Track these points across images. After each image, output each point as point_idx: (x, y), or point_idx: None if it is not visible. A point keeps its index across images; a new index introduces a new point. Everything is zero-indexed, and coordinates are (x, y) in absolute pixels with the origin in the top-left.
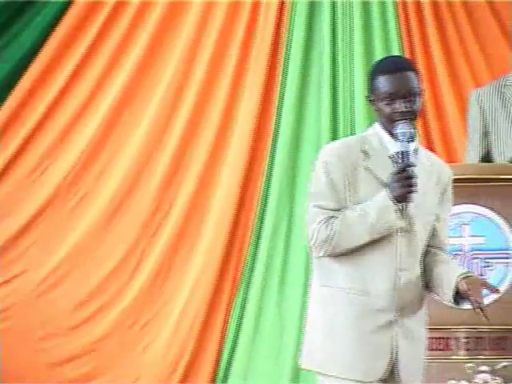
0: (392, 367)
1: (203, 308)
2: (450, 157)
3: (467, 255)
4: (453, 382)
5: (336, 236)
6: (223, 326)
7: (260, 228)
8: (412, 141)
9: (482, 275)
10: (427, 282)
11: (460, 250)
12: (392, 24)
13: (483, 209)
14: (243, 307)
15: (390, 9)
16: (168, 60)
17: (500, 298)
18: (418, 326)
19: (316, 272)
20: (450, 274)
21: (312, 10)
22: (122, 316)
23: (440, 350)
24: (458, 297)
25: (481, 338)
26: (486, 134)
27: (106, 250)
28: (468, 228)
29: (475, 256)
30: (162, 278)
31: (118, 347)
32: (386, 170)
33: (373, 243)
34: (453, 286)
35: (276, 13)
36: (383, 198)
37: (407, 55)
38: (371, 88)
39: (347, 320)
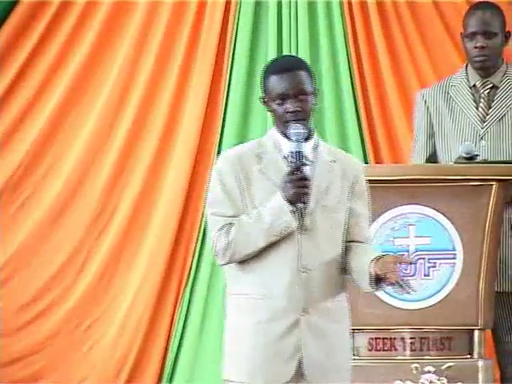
0: (303, 368)
1: (149, 308)
2: (396, 157)
3: (412, 256)
4: (398, 382)
5: (234, 243)
6: (169, 326)
7: (206, 228)
8: (306, 140)
9: (427, 275)
10: (353, 278)
11: (406, 251)
12: (338, 24)
13: (428, 209)
14: (189, 307)
15: (336, 9)
16: (113, 60)
17: (445, 298)
18: (330, 323)
19: (226, 280)
20: (364, 262)
21: (258, 10)
22: (68, 316)
23: (386, 350)
24: (380, 281)
25: (426, 338)
26: (431, 135)
27: (51, 250)
28: (413, 228)
29: (420, 256)
30: (107, 278)
31: (65, 347)
32: (280, 172)
33: (274, 246)
34: (367, 272)
35: (222, 13)
36: (277, 200)
37: (353, 56)
38: (264, 89)
39: (250, 326)
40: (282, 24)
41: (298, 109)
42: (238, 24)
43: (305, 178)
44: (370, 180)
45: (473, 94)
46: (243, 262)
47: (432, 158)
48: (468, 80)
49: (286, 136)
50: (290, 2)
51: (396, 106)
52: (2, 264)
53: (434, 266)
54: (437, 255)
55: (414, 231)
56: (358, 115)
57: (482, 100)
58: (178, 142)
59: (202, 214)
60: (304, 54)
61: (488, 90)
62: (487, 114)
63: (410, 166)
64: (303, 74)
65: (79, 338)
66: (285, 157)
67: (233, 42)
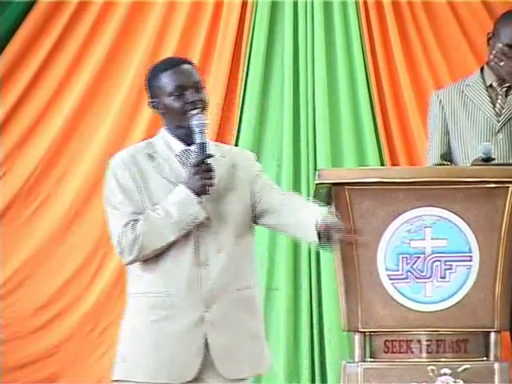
0: (214, 363)
1: None
2: (412, 160)
3: (429, 258)
4: None
5: (141, 237)
6: None
7: None
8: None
9: (443, 278)
10: (290, 233)
11: (422, 253)
12: (353, 24)
13: (445, 211)
14: None
15: (352, 9)
16: (130, 60)
17: (461, 300)
18: (237, 314)
19: (127, 283)
20: (306, 217)
21: (274, 11)
22: (83, 320)
23: (402, 352)
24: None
25: (442, 340)
26: (446, 133)
27: (66, 254)
28: (429, 231)
29: (437, 259)
30: (122, 282)
31: (79, 351)
32: (175, 170)
33: (173, 243)
34: (311, 227)
35: (238, 13)
36: (181, 192)
37: (369, 56)
38: (153, 90)
39: (148, 324)
40: (298, 24)
41: (199, 99)
42: (254, 24)
43: (210, 170)
44: (386, 182)
45: (489, 93)
46: (145, 261)
47: (447, 156)
48: (484, 80)
49: (176, 136)
50: (306, 2)
51: (412, 108)
52: (17, 268)
53: (451, 268)
54: (453, 257)
55: (431, 233)
56: (373, 116)
57: (499, 97)
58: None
59: None
60: (320, 55)
61: (506, 89)
62: (503, 109)
63: (426, 168)
64: (192, 67)
65: (93, 342)
66: (177, 155)
67: (249, 42)
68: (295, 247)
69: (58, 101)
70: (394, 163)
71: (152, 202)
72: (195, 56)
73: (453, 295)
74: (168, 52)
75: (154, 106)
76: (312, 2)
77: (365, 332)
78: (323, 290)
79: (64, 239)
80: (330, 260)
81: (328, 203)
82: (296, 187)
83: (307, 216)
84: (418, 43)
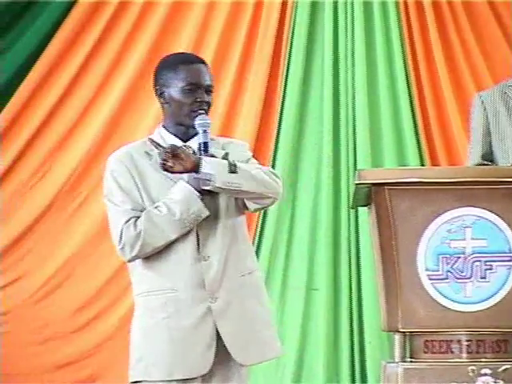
0: (224, 352)
1: None
2: (452, 160)
3: (469, 258)
4: None
5: (143, 234)
6: None
7: (261, 232)
8: (192, 137)
9: (483, 278)
10: None
11: (462, 253)
12: (393, 24)
13: (485, 211)
14: None
15: (392, 9)
16: None
17: (501, 300)
18: (244, 300)
19: (132, 283)
20: None
21: (314, 11)
22: (122, 321)
23: (442, 352)
24: None
25: (482, 340)
26: (488, 134)
27: (106, 254)
28: (470, 231)
29: (477, 259)
30: None
31: (117, 352)
32: None
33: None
34: None
35: (278, 14)
36: (183, 190)
37: (409, 57)
38: (165, 79)
39: (160, 322)
40: (337, 24)
41: (207, 100)
42: (294, 24)
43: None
44: (426, 182)
45: None
46: (147, 259)
47: (487, 156)
48: None
49: (173, 133)
50: (346, 2)
51: (452, 108)
52: (58, 268)
53: (491, 269)
54: (493, 257)
55: (471, 233)
56: (414, 116)
57: None
58: None
59: (256, 224)
60: (360, 55)
61: None
62: None
63: (465, 168)
64: (209, 71)
65: None
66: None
67: (289, 43)
68: (335, 247)
69: (98, 100)
70: (434, 163)
71: (150, 198)
72: (235, 56)
73: (493, 295)
74: (208, 52)
75: (160, 94)
76: (352, 2)
77: (405, 332)
78: (363, 290)
79: (103, 239)
80: (371, 260)
81: (368, 203)
82: (336, 187)
83: None
84: (458, 43)
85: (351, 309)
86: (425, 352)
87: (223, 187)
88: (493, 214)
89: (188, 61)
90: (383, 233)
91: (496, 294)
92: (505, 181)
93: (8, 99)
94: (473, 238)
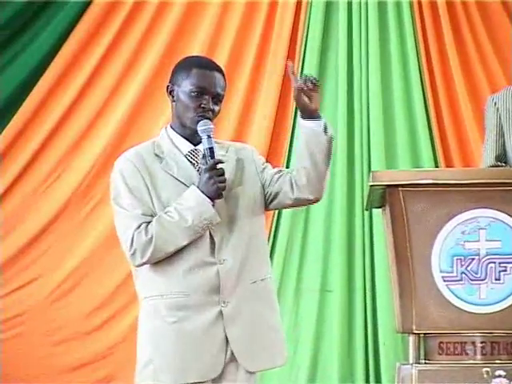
0: (235, 356)
1: None
2: (466, 161)
3: (483, 260)
4: None
5: (155, 240)
6: None
7: (275, 234)
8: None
9: (497, 279)
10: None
11: (476, 255)
12: (408, 25)
13: (499, 213)
14: None
15: (406, 9)
16: None
17: None
18: (254, 306)
19: (137, 286)
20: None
21: (328, 11)
22: (135, 323)
23: (456, 354)
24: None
25: (497, 342)
26: (501, 135)
27: (120, 256)
28: (484, 232)
29: (491, 260)
30: None
31: (133, 352)
32: (182, 169)
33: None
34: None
35: (292, 14)
36: (196, 197)
37: (423, 57)
38: (178, 77)
39: (169, 326)
40: (352, 24)
41: (212, 109)
42: (308, 24)
43: (223, 174)
44: (440, 184)
45: None
46: (156, 263)
47: (501, 158)
48: None
49: (182, 135)
50: (360, 2)
51: (466, 109)
52: (72, 270)
53: (505, 270)
54: (508, 259)
55: (485, 235)
56: (428, 118)
57: None
58: (249, 142)
59: (271, 225)
60: (374, 55)
61: None
62: None
63: (480, 169)
64: (223, 79)
65: None
66: (186, 154)
67: (304, 42)
68: (350, 249)
69: (112, 102)
70: (449, 165)
71: (160, 201)
72: (250, 56)
73: (507, 297)
74: (223, 53)
75: (170, 91)
76: (366, 2)
77: (419, 333)
78: (377, 292)
79: (117, 242)
80: (385, 262)
81: (382, 205)
82: (350, 189)
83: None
84: (473, 44)
85: (365, 310)
86: (439, 353)
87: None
88: (507, 216)
89: (202, 65)
90: (397, 234)
91: (510, 295)
92: None
93: (23, 100)
94: (487, 240)
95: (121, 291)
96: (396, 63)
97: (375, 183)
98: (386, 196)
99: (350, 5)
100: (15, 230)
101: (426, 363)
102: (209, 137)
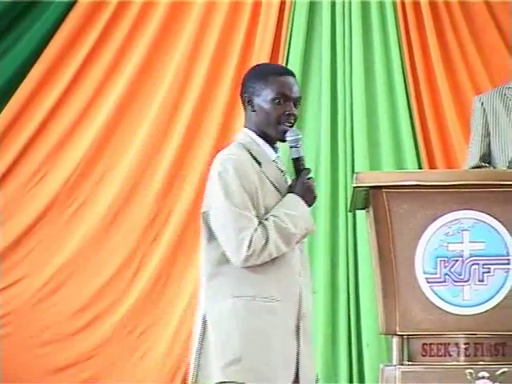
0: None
1: None
2: (450, 163)
3: (467, 261)
4: None
5: (270, 244)
6: None
7: None
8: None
9: (481, 281)
10: None
11: (460, 256)
12: (391, 25)
13: (483, 215)
14: None
15: (389, 9)
16: (169, 60)
17: (499, 303)
18: (311, 326)
19: (224, 283)
20: None
21: (312, 11)
22: (121, 322)
23: (440, 355)
24: None
25: (480, 343)
26: (486, 135)
27: (105, 256)
28: (467, 234)
29: (475, 262)
30: (161, 284)
31: (118, 353)
32: (274, 175)
33: None
34: None
35: (276, 14)
36: (301, 206)
37: (407, 58)
38: (254, 87)
39: (263, 329)
40: (335, 25)
41: (295, 113)
42: (292, 25)
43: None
44: (424, 185)
45: None
46: (261, 265)
47: (486, 158)
48: None
49: (265, 139)
50: (343, 2)
51: (450, 110)
52: (56, 269)
53: (489, 272)
54: (491, 261)
55: (468, 236)
56: (411, 119)
57: None
58: None
59: None
60: (358, 56)
61: None
62: None
63: (464, 171)
64: (298, 82)
65: (133, 344)
66: (273, 160)
67: (287, 43)
68: (333, 250)
69: (97, 102)
70: (432, 166)
71: (264, 206)
72: (234, 55)
73: (491, 298)
74: (207, 52)
75: (248, 102)
76: (350, 2)
77: (402, 335)
78: (361, 293)
79: (103, 241)
80: (368, 263)
81: (366, 206)
82: (333, 190)
83: None
84: (456, 45)
85: (349, 312)
86: (423, 355)
87: None
88: (491, 217)
89: (279, 72)
90: (381, 235)
91: (494, 297)
92: (503, 184)
93: (7, 100)
94: (471, 241)
95: (106, 292)
96: (380, 64)
97: (359, 185)
98: (369, 197)
99: (333, 5)
100: (0, 230)
101: (409, 365)
102: (296, 146)
